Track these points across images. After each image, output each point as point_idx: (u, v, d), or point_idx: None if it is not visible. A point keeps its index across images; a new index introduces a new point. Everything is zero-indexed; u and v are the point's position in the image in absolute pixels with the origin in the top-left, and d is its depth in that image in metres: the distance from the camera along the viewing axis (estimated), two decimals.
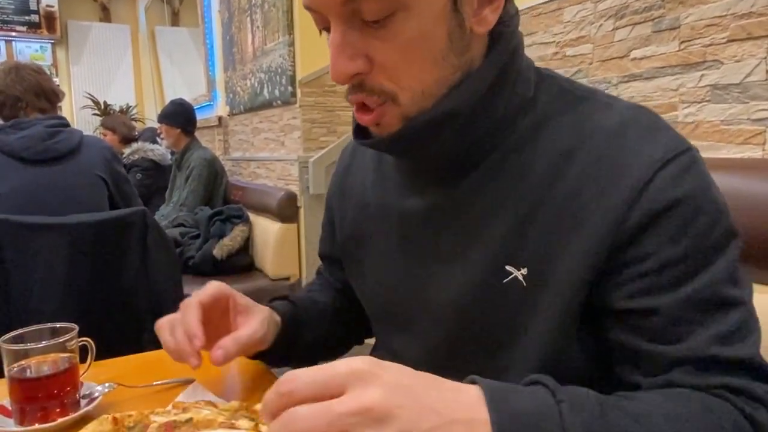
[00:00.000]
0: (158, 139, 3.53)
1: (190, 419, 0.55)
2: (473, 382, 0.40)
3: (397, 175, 0.64)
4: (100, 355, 0.72)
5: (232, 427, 0.55)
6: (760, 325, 0.49)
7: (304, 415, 0.34)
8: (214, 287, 0.66)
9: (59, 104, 1.93)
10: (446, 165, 0.58)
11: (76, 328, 0.64)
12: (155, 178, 3.39)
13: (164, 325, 0.63)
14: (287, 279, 2.61)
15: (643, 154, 0.48)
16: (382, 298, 0.67)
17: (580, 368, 0.54)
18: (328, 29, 0.51)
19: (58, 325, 0.64)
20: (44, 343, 0.61)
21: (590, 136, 0.52)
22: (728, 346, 0.46)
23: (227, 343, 0.61)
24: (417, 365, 0.61)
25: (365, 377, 0.36)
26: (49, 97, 1.83)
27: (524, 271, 0.53)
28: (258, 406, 0.57)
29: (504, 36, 0.54)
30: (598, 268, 0.50)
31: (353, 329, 0.83)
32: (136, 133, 3.80)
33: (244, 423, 0.56)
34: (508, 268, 0.53)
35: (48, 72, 6.16)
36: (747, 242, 0.76)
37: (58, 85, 1.89)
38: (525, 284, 0.53)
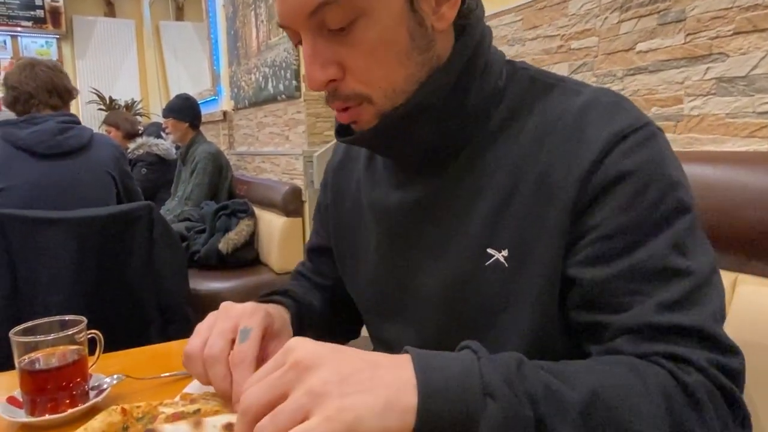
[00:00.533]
0: (163, 134, 3.55)
1: (198, 410, 0.56)
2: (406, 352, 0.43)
3: (384, 171, 0.67)
4: (107, 348, 0.73)
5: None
6: (719, 299, 0.49)
7: (254, 392, 0.41)
8: (260, 329, 0.59)
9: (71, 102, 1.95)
10: (425, 158, 0.60)
11: (85, 320, 0.65)
12: (160, 173, 3.41)
13: (210, 363, 0.58)
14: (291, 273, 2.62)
15: (604, 129, 0.51)
16: (372, 290, 0.69)
17: (563, 347, 0.55)
18: (299, 43, 0.55)
19: (67, 317, 0.65)
20: (54, 335, 0.62)
21: (558, 119, 0.55)
22: (669, 314, 0.46)
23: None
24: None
25: (293, 346, 0.42)
26: (62, 94, 1.85)
27: (505, 252, 0.55)
28: None
29: (467, 29, 0.56)
30: (567, 243, 0.52)
31: (341, 328, 0.84)
32: (139, 129, 3.81)
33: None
34: (489, 251, 0.56)
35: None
36: (755, 237, 0.76)
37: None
38: (507, 265, 0.55)
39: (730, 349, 0.47)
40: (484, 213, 0.57)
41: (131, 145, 3.36)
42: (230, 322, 0.59)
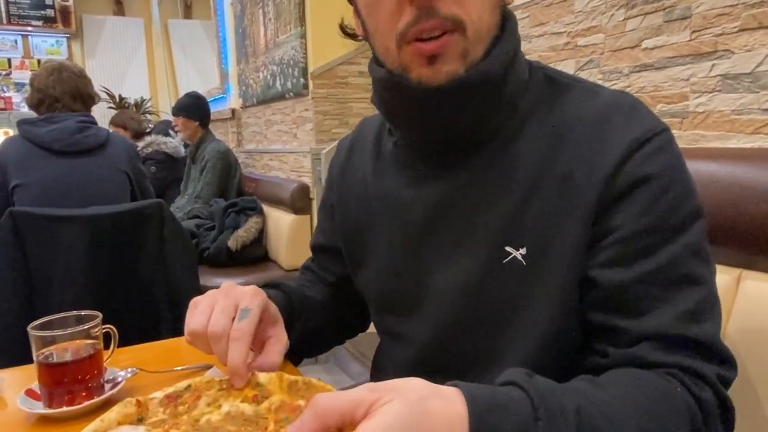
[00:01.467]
0: (171, 132, 3.57)
1: (189, 386, 0.58)
2: (455, 386, 0.41)
3: (396, 165, 0.67)
4: (120, 343, 0.75)
5: (232, 385, 0.58)
6: (720, 306, 0.52)
7: None
8: (259, 309, 0.60)
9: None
10: (451, 147, 0.60)
11: (100, 315, 0.67)
12: (169, 171, 3.44)
13: (214, 339, 0.58)
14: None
15: (626, 134, 0.52)
16: (386, 285, 0.69)
17: (577, 344, 0.56)
18: None
19: (83, 312, 0.67)
20: (70, 329, 0.64)
21: (578, 121, 0.55)
22: (689, 326, 0.49)
23: (271, 360, 0.63)
24: (424, 348, 0.64)
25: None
26: (85, 100, 1.92)
27: (523, 251, 0.56)
28: (261, 376, 0.59)
29: (511, 16, 0.58)
30: (587, 243, 0.53)
31: (345, 323, 0.84)
32: (146, 127, 3.84)
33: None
34: (507, 248, 0.56)
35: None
36: (759, 233, 0.76)
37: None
38: (525, 263, 0.55)
39: (731, 362, 0.50)
40: (503, 210, 0.57)
41: (140, 144, 3.39)
42: (232, 301, 0.60)
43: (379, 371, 0.75)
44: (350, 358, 2.49)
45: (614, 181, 0.51)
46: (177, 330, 1.92)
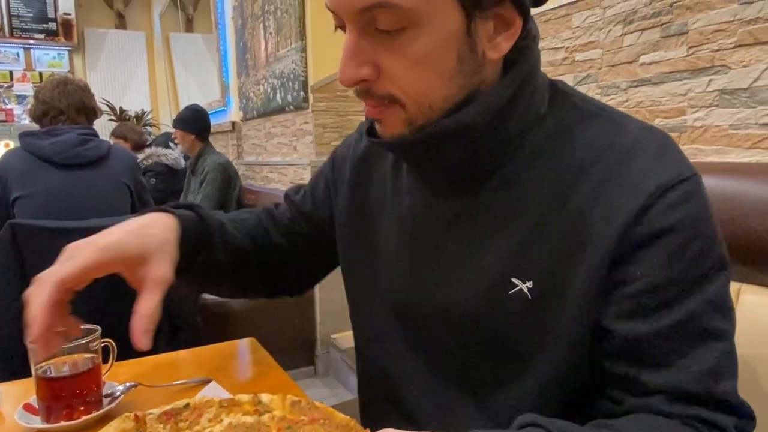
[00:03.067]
0: (171, 144, 3.59)
1: (188, 404, 0.58)
2: None
3: (411, 178, 0.65)
4: (118, 356, 0.75)
5: (233, 403, 0.58)
6: (737, 357, 0.50)
7: None
8: (87, 258, 0.56)
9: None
10: (458, 175, 0.58)
11: (99, 329, 0.67)
12: (169, 183, 3.44)
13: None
14: None
15: (651, 178, 0.49)
16: (394, 295, 0.67)
17: (586, 385, 0.54)
18: (341, 27, 0.53)
19: (81, 326, 0.67)
20: (69, 344, 0.64)
21: (602, 154, 0.52)
22: (708, 383, 0.47)
23: (138, 326, 0.58)
24: (432, 359, 0.62)
25: None
26: (88, 114, 1.94)
27: (529, 284, 0.53)
28: (264, 396, 0.59)
29: (519, 61, 0.54)
30: (602, 288, 0.51)
31: (273, 279, 0.81)
32: (147, 139, 3.85)
33: (243, 397, 0.58)
34: (513, 280, 0.54)
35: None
36: (755, 248, 0.76)
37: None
38: (530, 297, 0.53)
39: (749, 415, 0.49)
40: (513, 239, 0.55)
41: (140, 156, 3.40)
42: (62, 257, 0.57)
43: (376, 381, 0.71)
44: (349, 371, 2.48)
45: (635, 229, 0.49)
46: (175, 343, 1.92)
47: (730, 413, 0.48)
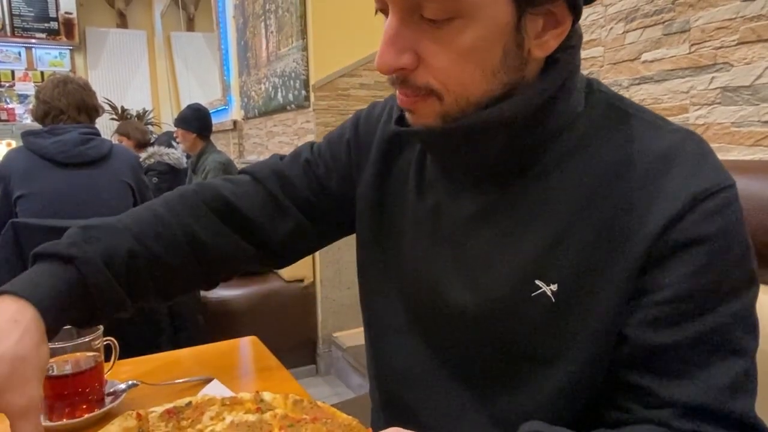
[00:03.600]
0: (174, 144, 3.59)
1: (190, 402, 0.58)
2: None
3: (436, 171, 0.62)
4: (120, 355, 0.75)
5: (235, 401, 0.58)
6: (757, 375, 0.49)
7: None
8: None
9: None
10: (487, 170, 0.57)
11: (101, 328, 0.67)
12: (171, 182, 3.44)
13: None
14: (301, 281, 2.64)
15: (687, 186, 0.48)
16: (410, 287, 0.65)
17: (600, 396, 0.53)
18: (383, 11, 0.51)
19: None
20: (71, 342, 0.64)
21: (637, 157, 0.51)
22: (723, 400, 0.46)
23: None
24: (445, 359, 0.61)
25: None
26: (90, 112, 1.94)
27: (554, 287, 0.52)
28: (265, 394, 0.59)
29: (561, 62, 0.52)
30: (629, 295, 0.50)
31: (273, 241, 0.71)
32: (150, 138, 3.86)
33: (246, 395, 0.59)
34: (537, 282, 0.53)
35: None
36: (760, 245, 0.76)
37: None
38: (554, 300, 0.52)
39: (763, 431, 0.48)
40: (540, 241, 0.53)
41: (143, 155, 3.40)
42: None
43: (389, 380, 0.69)
44: (351, 370, 2.48)
45: (668, 236, 0.47)
46: (177, 342, 1.92)
47: (741, 430, 0.46)
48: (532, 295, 0.53)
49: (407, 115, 0.55)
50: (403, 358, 0.65)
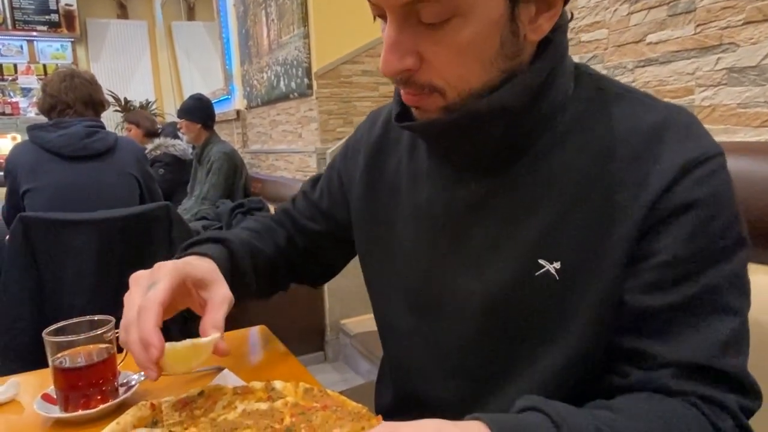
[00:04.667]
0: (180, 135, 3.59)
1: (202, 392, 0.59)
2: (477, 419, 0.43)
3: (430, 165, 0.64)
4: None
5: (246, 390, 0.59)
6: (749, 335, 0.51)
7: None
8: (169, 278, 0.60)
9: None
10: (483, 159, 0.58)
11: (113, 320, 0.68)
12: (177, 173, 3.45)
13: (124, 329, 0.58)
14: None
15: (678, 155, 0.50)
16: (412, 284, 0.67)
17: (601, 365, 0.55)
18: (381, 17, 0.53)
19: (96, 317, 0.68)
20: (84, 335, 0.65)
21: (630, 134, 0.53)
22: (717, 357, 0.48)
23: (214, 318, 0.62)
24: (448, 350, 0.63)
25: None
26: (96, 107, 1.95)
27: (557, 265, 0.54)
28: (276, 383, 0.60)
29: (554, 42, 0.54)
30: (628, 263, 0.51)
31: (297, 272, 0.85)
32: (158, 128, 3.87)
33: (257, 384, 0.60)
34: (541, 261, 0.54)
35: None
36: (762, 226, 0.76)
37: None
38: (558, 278, 0.54)
39: (756, 393, 0.50)
40: (541, 222, 0.55)
41: (149, 146, 3.42)
42: (140, 287, 0.59)
43: (397, 369, 0.72)
44: (359, 356, 2.50)
45: (661, 203, 0.50)
46: (186, 331, 1.93)
47: (735, 390, 0.48)
48: (536, 274, 0.54)
49: (413, 111, 0.57)
50: (408, 351, 0.67)
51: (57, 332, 0.65)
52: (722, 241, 0.49)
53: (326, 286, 2.65)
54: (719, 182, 0.50)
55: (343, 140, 2.57)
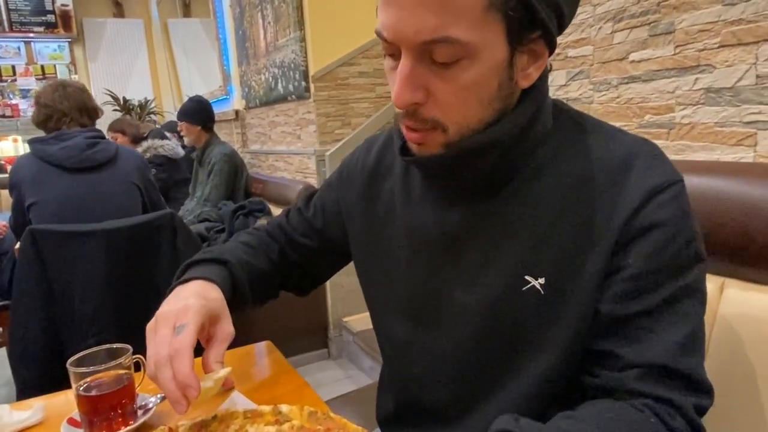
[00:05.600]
0: (168, 135, 3.60)
1: (215, 416, 0.65)
2: None
3: (422, 189, 0.71)
4: (138, 351, 0.79)
5: (256, 413, 0.64)
6: (704, 339, 0.58)
7: None
8: (195, 321, 0.64)
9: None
10: (475, 187, 0.65)
11: (131, 348, 0.73)
12: (170, 173, 3.49)
13: (156, 366, 0.61)
14: None
15: (645, 181, 0.58)
16: (410, 298, 0.73)
17: (579, 368, 0.62)
18: (393, 56, 0.58)
19: (115, 346, 0.73)
20: (105, 364, 0.70)
21: (602, 164, 0.60)
22: (675, 357, 0.55)
23: (216, 352, 0.66)
24: (443, 358, 0.70)
25: None
26: (91, 114, 1.98)
27: (542, 280, 0.60)
28: (283, 407, 0.65)
29: (537, 86, 0.61)
30: (604, 277, 0.58)
31: (288, 284, 0.91)
32: (144, 132, 3.88)
33: (265, 408, 0.65)
34: (527, 277, 0.61)
35: (68, 70, 6.29)
36: (740, 244, 0.81)
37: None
38: (543, 293, 0.60)
39: (708, 391, 0.56)
40: (525, 242, 0.61)
41: (138, 150, 3.44)
42: (168, 327, 0.63)
43: (397, 377, 0.78)
44: (362, 353, 2.57)
45: (630, 224, 0.57)
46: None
47: (690, 390, 0.55)
48: (523, 289, 0.61)
49: (414, 147, 0.63)
50: (409, 360, 0.73)
51: (79, 361, 0.71)
52: (682, 257, 0.57)
53: (328, 284, 2.70)
54: (679, 206, 0.57)
55: (341, 142, 2.62)
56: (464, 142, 0.59)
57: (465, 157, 0.60)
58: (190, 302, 0.66)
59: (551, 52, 0.59)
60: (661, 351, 0.55)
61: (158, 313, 0.67)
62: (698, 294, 0.58)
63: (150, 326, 0.66)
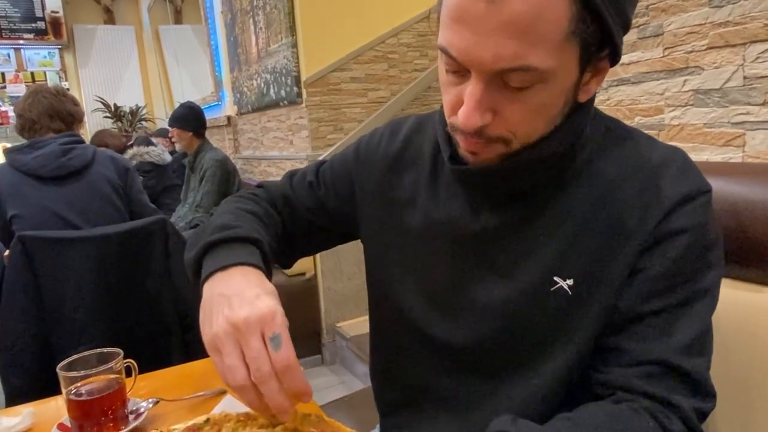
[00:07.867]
0: (153, 141, 3.57)
1: (208, 419, 0.64)
2: None
3: (453, 190, 0.70)
4: (131, 356, 0.77)
5: (249, 417, 0.64)
6: (713, 342, 0.59)
7: None
8: (287, 331, 0.57)
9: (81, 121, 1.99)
10: (515, 193, 0.65)
11: (121, 353, 0.72)
12: (157, 179, 3.48)
13: (260, 383, 0.54)
14: (303, 274, 2.71)
15: (676, 189, 0.59)
16: (434, 288, 0.71)
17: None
18: (456, 72, 0.57)
19: (105, 350, 0.73)
20: (95, 369, 0.70)
21: (634, 170, 0.62)
22: (682, 357, 0.57)
23: None
24: (462, 350, 0.70)
25: None
26: (64, 118, 1.90)
27: (570, 281, 0.62)
28: None
29: (590, 99, 0.62)
30: (630, 276, 0.60)
31: (280, 255, 0.84)
32: (125, 141, 3.85)
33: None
34: (555, 278, 0.62)
35: (59, 77, 6.22)
36: (726, 243, 0.82)
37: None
38: (570, 293, 0.62)
39: (711, 395, 0.57)
40: (557, 244, 0.62)
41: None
42: (256, 336, 0.55)
43: (406, 361, 0.76)
44: (356, 359, 2.56)
45: (658, 230, 0.59)
46: (186, 342, 1.97)
47: (692, 392, 0.56)
48: (552, 289, 0.62)
49: (468, 155, 0.62)
50: (423, 345, 0.72)
51: (69, 366, 0.70)
52: (700, 262, 0.59)
53: (321, 290, 2.70)
54: (705, 215, 0.59)
55: (334, 147, 2.62)
56: (524, 154, 0.60)
57: (524, 169, 0.61)
58: (269, 304, 0.58)
59: (613, 65, 0.59)
60: (667, 350, 0.57)
61: (228, 313, 0.57)
62: (710, 299, 0.59)
63: (225, 330, 0.56)
